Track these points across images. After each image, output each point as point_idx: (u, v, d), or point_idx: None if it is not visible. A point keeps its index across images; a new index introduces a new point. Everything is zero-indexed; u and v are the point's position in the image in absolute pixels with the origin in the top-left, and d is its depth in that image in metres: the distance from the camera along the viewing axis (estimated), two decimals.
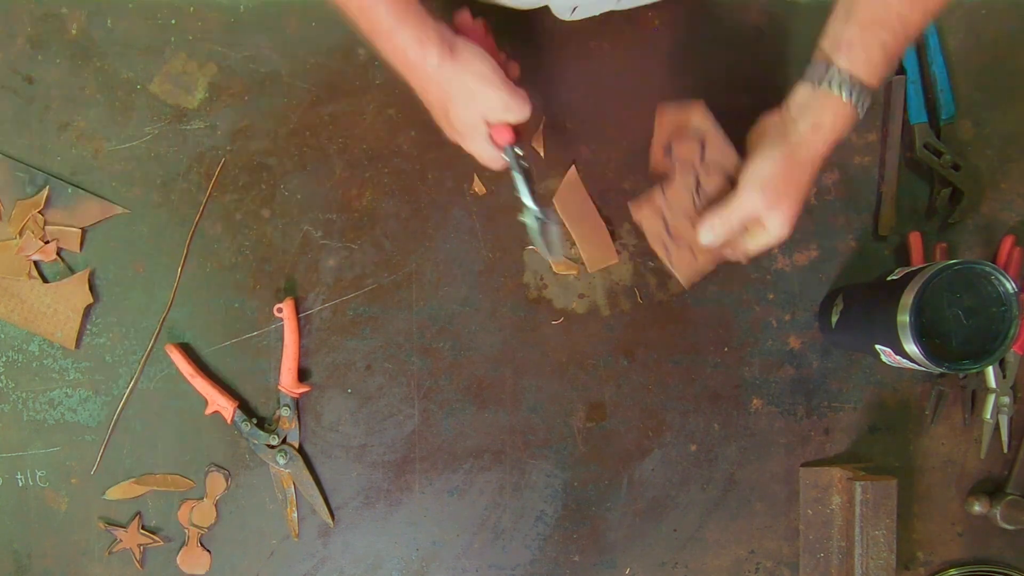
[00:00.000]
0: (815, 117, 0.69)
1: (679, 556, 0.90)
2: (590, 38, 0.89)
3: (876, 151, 0.90)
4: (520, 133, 0.74)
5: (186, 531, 0.89)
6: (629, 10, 0.88)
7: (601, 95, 0.90)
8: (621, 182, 0.89)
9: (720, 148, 0.76)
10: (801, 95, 0.70)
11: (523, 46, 0.89)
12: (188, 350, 0.89)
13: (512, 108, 0.70)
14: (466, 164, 0.89)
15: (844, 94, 0.67)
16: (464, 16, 0.74)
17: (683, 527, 0.90)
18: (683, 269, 0.77)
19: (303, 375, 0.89)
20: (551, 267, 0.88)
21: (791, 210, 0.70)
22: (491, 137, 0.73)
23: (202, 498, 0.88)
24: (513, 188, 0.76)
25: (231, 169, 0.89)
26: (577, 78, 0.89)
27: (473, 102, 0.70)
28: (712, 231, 0.73)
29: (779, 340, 0.90)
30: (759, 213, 0.70)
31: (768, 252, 0.89)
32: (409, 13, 0.67)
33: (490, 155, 0.74)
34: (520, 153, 0.74)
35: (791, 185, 0.70)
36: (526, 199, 0.75)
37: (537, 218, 0.76)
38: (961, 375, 0.89)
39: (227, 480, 0.88)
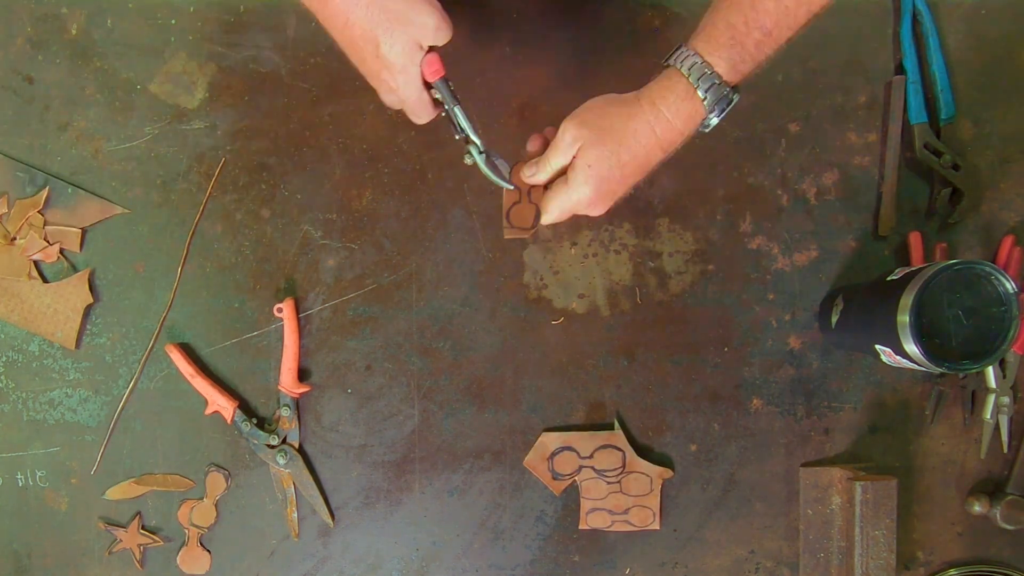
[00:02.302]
0: (658, 92, 0.66)
1: (679, 556, 0.90)
2: (590, 38, 0.89)
3: (876, 151, 0.90)
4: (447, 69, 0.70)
5: (186, 531, 0.89)
6: (628, 9, 0.88)
7: (601, 95, 0.89)
8: None
9: None
10: (655, 77, 0.68)
11: (523, 46, 0.89)
12: (188, 350, 0.89)
13: (443, 28, 0.65)
14: (466, 164, 0.89)
15: (687, 73, 0.65)
16: None
17: (683, 527, 0.90)
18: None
19: (303, 375, 0.89)
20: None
21: (600, 161, 0.66)
22: (421, 75, 0.67)
23: (202, 498, 0.88)
24: (454, 127, 0.71)
25: (231, 169, 0.89)
26: (576, 78, 0.89)
27: (408, 25, 0.63)
28: (534, 165, 0.71)
29: (779, 340, 0.90)
30: (570, 150, 0.67)
31: (768, 253, 0.89)
32: None
33: (420, 98, 0.68)
34: (452, 88, 0.69)
35: (605, 124, 0.66)
36: (471, 133, 0.71)
37: (482, 151, 0.73)
38: (961, 375, 0.89)
39: (227, 480, 0.88)
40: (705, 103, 0.66)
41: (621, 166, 0.67)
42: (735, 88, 0.66)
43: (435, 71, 0.67)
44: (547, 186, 0.73)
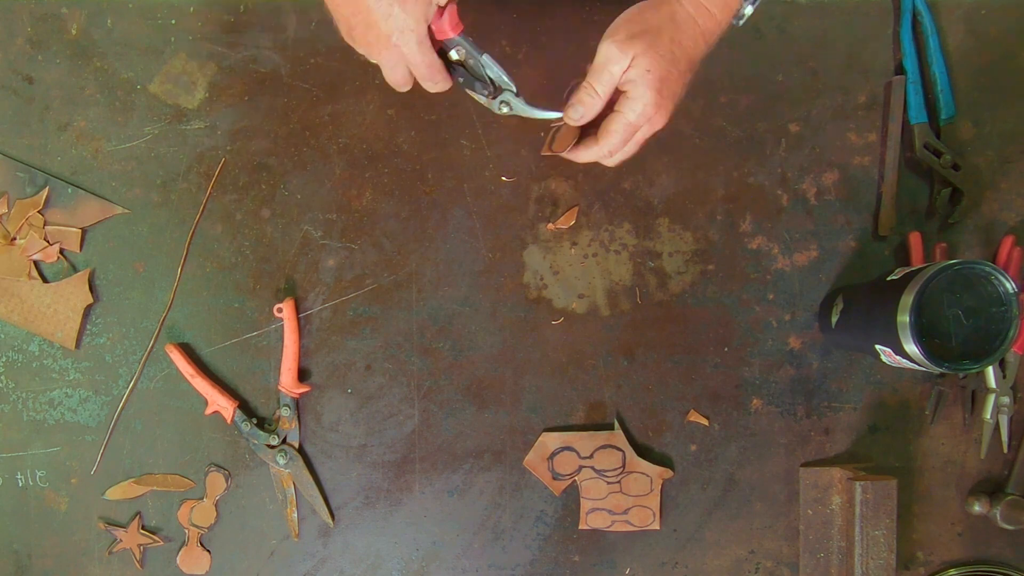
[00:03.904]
0: None
1: (679, 556, 0.90)
2: (590, 37, 0.89)
3: (876, 151, 0.90)
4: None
5: (186, 531, 0.89)
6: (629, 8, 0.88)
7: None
8: (621, 182, 0.89)
9: None
10: None
11: (523, 46, 0.89)
12: (188, 350, 0.89)
13: None
14: (466, 164, 0.89)
15: None
16: None
17: (683, 527, 0.90)
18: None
19: (303, 375, 0.89)
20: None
21: (655, 58, 0.63)
22: (433, 36, 0.64)
23: (202, 498, 0.88)
24: (481, 83, 0.67)
25: (231, 169, 0.89)
26: (577, 78, 0.89)
27: None
28: (580, 104, 0.66)
29: (779, 340, 0.90)
30: (620, 67, 0.64)
31: (768, 253, 0.89)
32: None
33: (434, 61, 0.64)
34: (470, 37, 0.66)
35: (648, 24, 0.63)
36: (506, 77, 0.67)
37: (518, 94, 0.69)
38: (961, 375, 0.89)
39: (227, 480, 0.88)
40: (744, 5, 0.65)
41: (676, 63, 0.65)
42: None
43: (455, 24, 0.64)
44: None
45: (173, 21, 0.89)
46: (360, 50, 0.66)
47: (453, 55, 0.66)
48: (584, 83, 0.66)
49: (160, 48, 0.89)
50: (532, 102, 0.69)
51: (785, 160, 0.90)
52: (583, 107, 0.67)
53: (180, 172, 0.89)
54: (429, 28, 0.63)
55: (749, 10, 0.67)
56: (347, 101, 0.89)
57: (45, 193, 0.88)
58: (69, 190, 0.88)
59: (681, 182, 0.90)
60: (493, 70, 0.67)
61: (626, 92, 0.66)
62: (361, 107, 0.89)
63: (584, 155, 0.71)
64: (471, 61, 0.66)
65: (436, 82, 0.66)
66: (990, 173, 0.90)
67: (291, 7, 0.89)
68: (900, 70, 0.89)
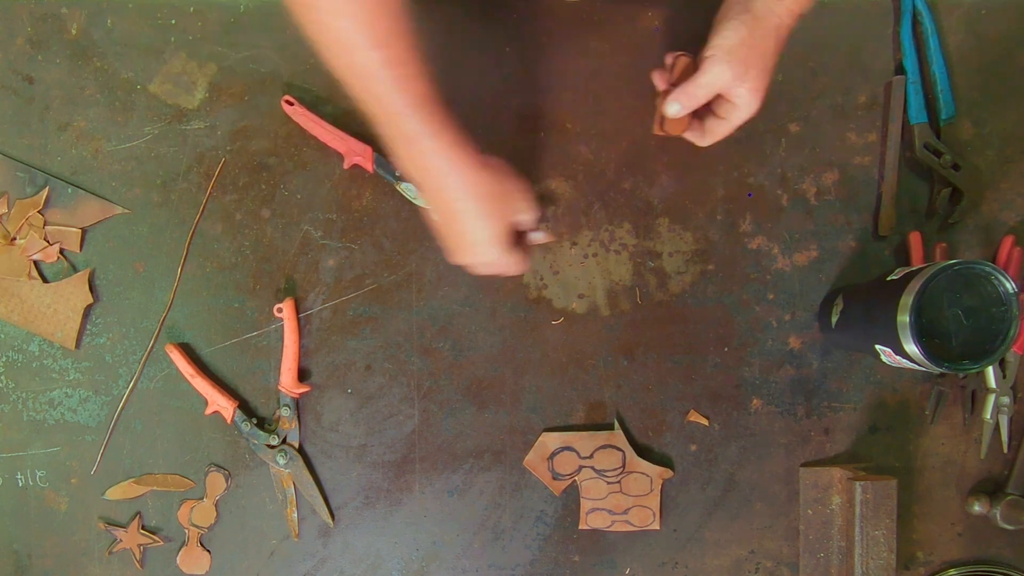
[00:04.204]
0: None
1: (679, 556, 0.90)
2: (590, 37, 0.90)
3: (876, 151, 0.90)
4: None
5: (186, 531, 0.89)
6: (629, 10, 0.88)
7: (601, 95, 0.90)
8: (621, 182, 0.89)
9: None
10: None
11: (523, 47, 0.89)
12: (188, 350, 0.89)
13: (530, 202, 0.74)
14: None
15: None
16: None
17: (683, 527, 0.90)
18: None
19: (303, 375, 0.89)
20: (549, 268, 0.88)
21: (760, 81, 0.71)
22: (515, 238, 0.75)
23: (202, 498, 0.88)
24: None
25: (231, 169, 0.89)
26: (577, 78, 0.89)
27: (510, 203, 0.72)
28: (678, 102, 0.74)
29: (779, 340, 0.90)
30: (727, 86, 0.71)
31: (768, 253, 0.89)
32: (442, 118, 0.68)
33: (514, 263, 0.75)
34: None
35: (757, 54, 0.70)
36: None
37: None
38: (961, 375, 0.89)
39: (227, 480, 0.88)
40: None
41: (770, 67, 0.72)
42: None
43: (531, 223, 0.78)
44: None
45: (173, 21, 0.89)
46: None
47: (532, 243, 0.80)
48: (688, 88, 0.74)
49: (160, 48, 0.89)
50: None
51: (785, 160, 0.90)
52: (681, 107, 0.75)
53: (180, 172, 0.89)
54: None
55: None
56: (347, 102, 0.89)
57: (45, 193, 0.88)
58: (69, 190, 0.88)
59: (681, 182, 0.90)
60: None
61: (733, 101, 0.73)
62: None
63: (692, 138, 0.81)
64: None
65: (522, 270, 0.78)
66: (990, 173, 0.90)
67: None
68: (900, 70, 0.89)
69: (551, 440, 0.88)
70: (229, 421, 0.88)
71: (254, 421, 0.88)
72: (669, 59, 0.78)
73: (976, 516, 0.89)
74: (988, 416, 0.88)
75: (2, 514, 0.89)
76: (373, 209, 0.89)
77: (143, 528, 0.89)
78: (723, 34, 0.71)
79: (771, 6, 0.70)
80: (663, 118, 0.78)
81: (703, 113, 0.79)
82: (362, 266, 0.89)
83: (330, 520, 0.89)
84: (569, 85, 0.89)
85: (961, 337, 0.71)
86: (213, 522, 0.89)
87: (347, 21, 0.62)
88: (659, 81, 0.78)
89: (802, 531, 0.89)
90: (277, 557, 0.89)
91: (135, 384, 0.89)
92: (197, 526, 0.88)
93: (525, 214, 0.74)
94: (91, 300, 0.88)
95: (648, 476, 0.88)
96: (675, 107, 0.75)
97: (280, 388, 0.88)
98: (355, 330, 0.89)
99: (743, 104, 0.73)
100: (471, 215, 0.70)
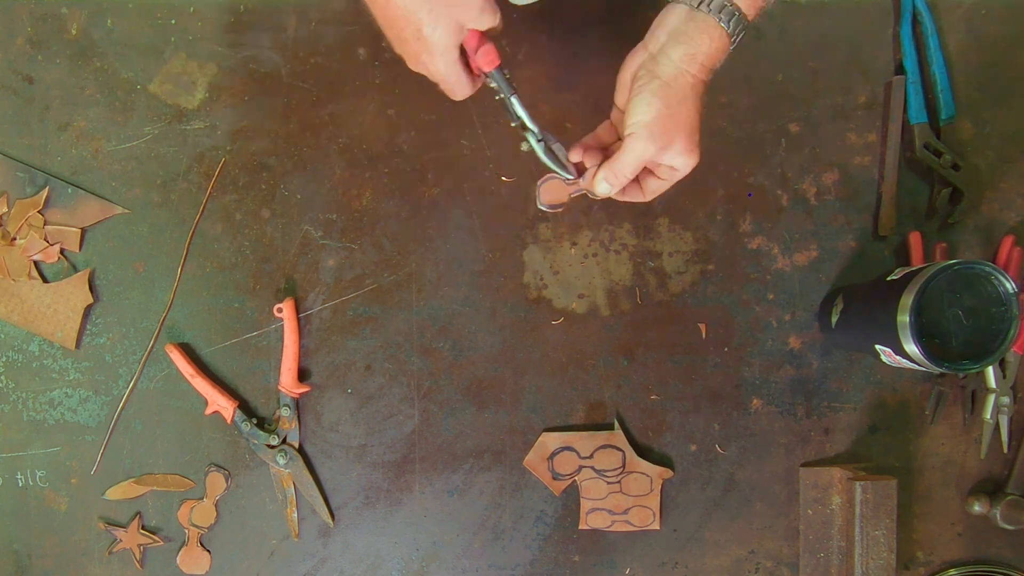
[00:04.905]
0: (690, 46, 0.66)
1: (679, 556, 0.90)
2: (591, 37, 0.89)
3: (876, 151, 0.90)
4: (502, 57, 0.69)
5: (186, 531, 0.89)
6: (629, 10, 0.88)
7: (601, 95, 0.89)
8: None
9: None
10: (673, 20, 0.66)
11: (524, 47, 0.89)
12: (188, 350, 0.89)
13: (487, 10, 0.64)
14: (466, 164, 0.89)
15: (723, 20, 0.65)
16: None
17: (683, 527, 0.90)
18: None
19: (303, 375, 0.89)
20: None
21: (688, 141, 0.67)
22: (468, 62, 0.67)
23: (202, 498, 0.88)
24: (510, 115, 0.70)
25: (231, 169, 0.89)
26: (577, 78, 0.89)
27: (453, 7, 0.63)
28: (607, 182, 0.70)
29: (779, 340, 0.90)
30: (655, 157, 0.68)
31: (768, 253, 0.89)
32: None
33: (459, 77, 0.67)
34: (508, 76, 0.68)
35: (678, 122, 0.66)
36: (529, 122, 0.71)
37: (540, 140, 0.72)
38: (961, 375, 0.89)
39: (227, 480, 0.88)
40: (733, 43, 0.67)
41: (696, 123, 0.68)
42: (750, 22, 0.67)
43: (491, 60, 0.66)
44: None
45: (173, 21, 0.89)
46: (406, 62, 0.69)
47: (491, 84, 0.69)
48: (615, 168, 0.69)
49: (160, 48, 0.89)
50: (551, 145, 0.72)
51: (785, 160, 0.90)
52: (610, 188, 0.71)
53: (180, 172, 0.89)
54: (463, 50, 0.66)
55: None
56: (347, 101, 0.89)
57: (45, 193, 0.88)
58: (69, 190, 0.88)
59: (681, 182, 0.89)
60: (519, 112, 0.70)
61: (668, 165, 0.69)
62: (361, 107, 0.89)
63: (630, 198, 0.75)
64: (500, 97, 0.69)
65: (458, 94, 0.69)
66: (990, 173, 0.90)
67: (291, 7, 0.89)
68: (900, 70, 0.89)
69: (551, 440, 0.88)
70: (229, 421, 0.88)
71: (254, 421, 0.88)
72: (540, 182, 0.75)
73: (976, 516, 0.89)
74: (988, 416, 0.88)
75: (2, 514, 0.89)
76: (373, 209, 0.89)
77: (143, 528, 0.89)
78: (639, 110, 0.66)
79: (681, 67, 0.65)
80: (547, 190, 0.74)
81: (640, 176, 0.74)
82: (362, 266, 0.89)
83: (330, 520, 0.89)
84: (569, 85, 0.89)
85: (961, 337, 0.71)
86: (213, 522, 0.89)
87: None
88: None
89: (802, 531, 0.89)
90: (277, 557, 0.89)
91: (135, 384, 0.89)
92: (197, 526, 0.88)
93: (482, 18, 0.64)
94: (91, 300, 0.88)
95: (648, 476, 0.88)
96: (604, 187, 0.71)
97: (280, 388, 0.88)
98: (355, 330, 0.89)
99: (679, 165, 0.69)
100: (418, 10, 0.63)
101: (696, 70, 0.66)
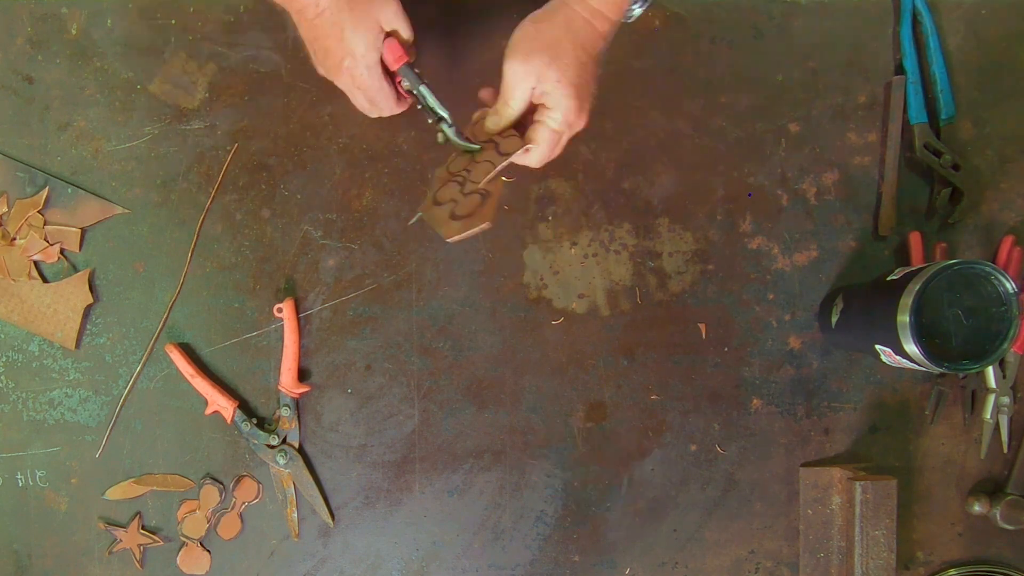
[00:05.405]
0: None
1: (679, 556, 0.90)
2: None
3: (876, 151, 0.90)
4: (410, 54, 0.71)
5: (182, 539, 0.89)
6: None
7: (601, 95, 0.89)
8: (621, 182, 0.89)
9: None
10: None
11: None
12: (188, 350, 0.89)
13: (400, 13, 0.67)
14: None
15: None
16: None
17: (683, 527, 0.90)
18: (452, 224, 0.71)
19: (303, 375, 0.89)
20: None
21: (563, 75, 0.65)
22: (384, 64, 0.69)
23: (195, 511, 0.88)
24: (425, 111, 0.72)
25: (231, 169, 0.89)
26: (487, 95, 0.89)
27: (370, 8, 0.66)
28: (495, 114, 0.69)
29: (779, 340, 0.90)
30: (529, 84, 0.66)
31: (768, 253, 0.89)
32: None
33: (382, 88, 0.70)
34: (417, 71, 0.71)
35: (551, 45, 0.65)
36: (440, 109, 0.72)
37: (451, 124, 0.72)
38: (961, 375, 0.89)
39: (221, 494, 0.88)
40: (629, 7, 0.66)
41: (583, 66, 0.67)
42: None
43: (398, 57, 0.69)
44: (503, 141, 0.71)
45: (173, 21, 0.89)
46: (327, 76, 0.72)
47: (405, 84, 0.71)
48: (499, 102, 0.69)
49: (160, 48, 0.89)
50: (461, 133, 0.73)
51: (785, 160, 0.90)
52: (499, 118, 0.70)
53: (180, 172, 0.89)
54: (382, 57, 0.69)
55: (638, 11, 0.69)
56: (347, 101, 0.89)
57: (45, 193, 0.88)
58: (69, 190, 0.88)
59: (681, 182, 0.90)
60: (429, 100, 0.72)
61: (543, 103, 0.68)
62: None
63: (521, 160, 0.72)
64: (414, 89, 0.71)
65: (384, 107, 0.72)
66: (990, 173, 0.90)
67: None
68: (900, 70, 0.89)
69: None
70: (229, 421, 0.88)
71: (254, 421, 0.88)
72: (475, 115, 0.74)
73: (976, 516, 0.89)
74: (988, 416, 0.88)
75: (2, 514, 0.89)
76: (373, 209, 0.89)
77: (143, 528, 0.89)
78: (514, 35, 0.67)
79: (572, 4, 0.66)
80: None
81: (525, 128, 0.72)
82: (362, 266, 0.89)
83: (330, 520, 0.89)
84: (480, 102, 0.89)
85: (961, 337, 0.71)
86: (204, 534, 0.88)
87: None
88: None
89: (802, 531, 0.89)
90: (277, 557, 0.89)
91: (135, 384, 0.89)
92: (188, 537, 0.88)
93: (398, 17, 0.68)
94: (91, 300, 0.88)
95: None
96: (493, 119, 0.70)
97: (280, 388, 0.88)
98: (355, 330, 0.89)
99: (554, 103, 0.66)
100: (334, 14, 0.66)
101: (580, 5, 0.66)
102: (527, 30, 0.67)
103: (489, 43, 0.89)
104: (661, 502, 0.89)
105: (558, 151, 0.72)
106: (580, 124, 0.70)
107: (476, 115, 0.73)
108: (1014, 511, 0.87)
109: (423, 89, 0.71)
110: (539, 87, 0.67)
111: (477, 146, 0.72)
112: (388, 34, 0.69)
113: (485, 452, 0.89)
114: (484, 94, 0.73)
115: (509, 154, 0.71)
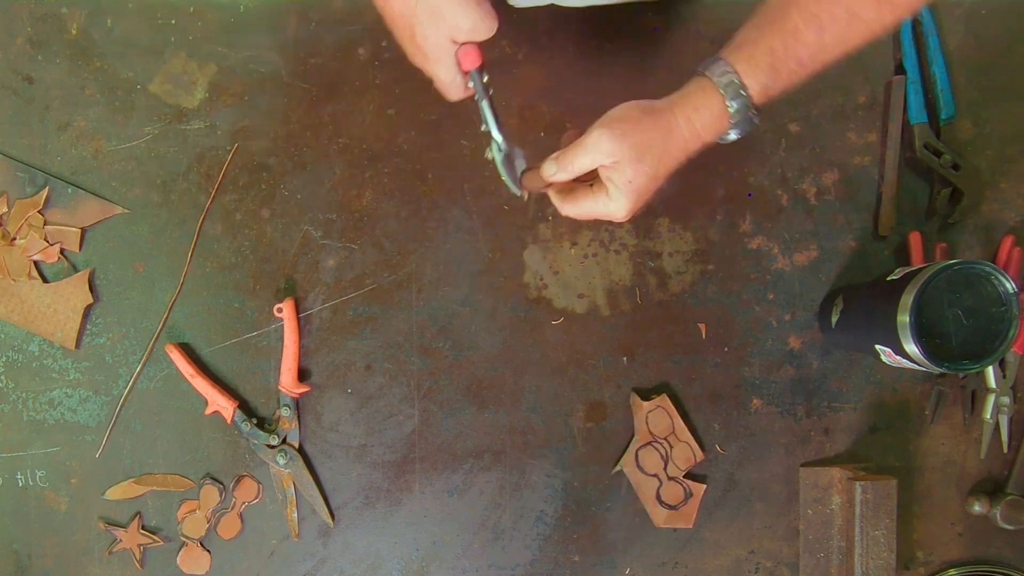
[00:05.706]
0: (693, 106, 0.66)
1: (679, 556, 0.90)
2: (591, 38, 0.90)
3: (876, 151, 0.90)
4: (485, 59, 0.69)
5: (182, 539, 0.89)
6: (629, 11, 0.88)
7: (601, 95, 0.89)
8: None
9: None
10: (686, 86, 0.67)
11: (524, 46, 0.89)
12: (188, 350, 0.89)
13: (480, 28, 0.64)
14: (466, 164, 0.89)
15: (727, 97, 0.64)
16: None
17: (683, 527, 0.90)
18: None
19: (303, 375, 0.89)
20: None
21: (639, 176, 0.66)
22: (457, 62, 0.67)
23: (195, 511, 0.88)
24: (480, 119, 0.70)
25: (231, 169, 0.89)
26: (577, 78, 0.89)
27: (441, 20, 0.64)
28: (555, 162, 0.68)
29: (779, 340, 0.90)
30: (601, 159, 0.66)
31: (768, 253, 0.89)
32: None
33: (453, 81, 0.68)
34: (486, 80, 0.69)
35: (645, 136, 0.65)
36: (493, 130, 0.70)
37: (501, 150, 0.71)
38: (961, 375, 0.89)
39: (220, 494, 0.88)
40: (732, 120, 0.66)
41: (656, 178, 0.67)
42: (759, 111, 0.66)
43: (471, 61, 0.67)
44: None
45: (173, 21, 0.89)
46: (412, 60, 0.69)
47: (470, 85, 0.69)
48: (568, 152, 0.68)
49: (160, 48, 0.89)
50: (513, 158, 0.71)
51: (785, 160, 0.90)
52: (557, 171, 0.69)
53: (180, 172, 0.89)
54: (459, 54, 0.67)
55: (733, 137, 0.68)
56: (347, 101, 0.89)
57: (45, 193, 0.88)
58: (69, 190, 0.88)
59: (681, 182, 0.89)
60: (485, 117, 0.70)
61: (605, 187, 0.68)
62: (361, 107, 0.89)
63: (555, 202, 0.73)
64: (476, 98, 0.69)
65: (450, 96, 0.70)
66: (990, 173, 0.90)
67: (291, 7, 0.89)
68: (900, 70, 0.89)
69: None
70: (229, 421, 0.88)
71: (254, 421, 0.88)
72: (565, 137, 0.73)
73: (976, 516, 0.89)
74: (988, 416, 0.88)
75: (2, 514, 0.89)
76: (373, 209, 0.89)
77: (143, 528, 0.89)
78: (618, 109, 0.67)
79: (674, 109, 0.66)
80: (530, 174, 0.72)
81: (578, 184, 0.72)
82: (362, 266, 0.89)
83: (330, 520, 0.89)
84: (569, 85, 0.89)
85: (961, 337, 0.71)
86: (204, 534, 0.88)
87: None
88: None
89: (802, 531, 0.89)
90: (277, 557, 0.89)
91: (135, 384, 0.89)
92: (188, 537, 0.88)
93: (473, 34, 0.65)
94: (91, 300, 0.88)
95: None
96: (551, 168, 0.69)
97: (280, 388, 0.88)
98: (355, 330, 0.89)
99: (613, 192, 0.67)
100: (413, 16, 0.64)
101: (685, 121, 0.66)
102: (632, 115, 0.66)
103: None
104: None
105: (585, 219, 0.73)
106: (618, 219, 0.70)
107: (565, 137, 0.72)
108: (1014, 511, 0.87)
109: (484, 105, 0.69)
110: (609, 172, 0.67)
111: (515, 187, 0.72)
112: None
113: (485, 452, 0.89)
114: (568, 136, 0.72)
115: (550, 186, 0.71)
